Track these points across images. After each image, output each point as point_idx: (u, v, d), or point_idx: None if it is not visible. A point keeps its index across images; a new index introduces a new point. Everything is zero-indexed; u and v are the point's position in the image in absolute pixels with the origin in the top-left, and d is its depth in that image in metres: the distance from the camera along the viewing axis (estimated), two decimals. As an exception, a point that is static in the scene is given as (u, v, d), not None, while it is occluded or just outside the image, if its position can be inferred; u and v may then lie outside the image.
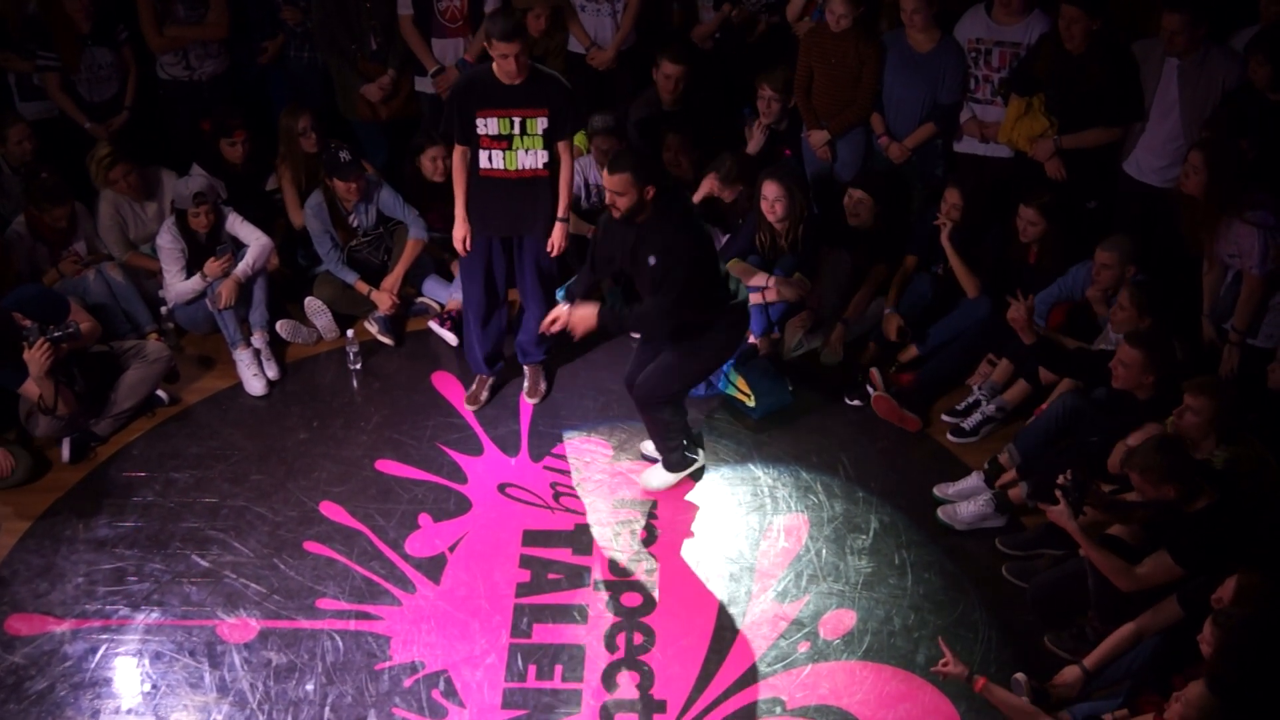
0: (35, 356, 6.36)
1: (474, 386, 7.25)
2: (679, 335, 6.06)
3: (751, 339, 7.38)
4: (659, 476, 6.58)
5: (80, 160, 7.90)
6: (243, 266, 7.38)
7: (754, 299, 7.36)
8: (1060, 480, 5.48)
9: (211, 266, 7.36)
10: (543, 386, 7.26)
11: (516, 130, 6.53)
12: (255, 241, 7.46)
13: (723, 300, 6.04)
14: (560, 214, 6.78)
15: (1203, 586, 5.10)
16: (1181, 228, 6.56)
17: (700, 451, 6.64)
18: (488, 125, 6.54)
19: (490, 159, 6.62)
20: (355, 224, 7.74)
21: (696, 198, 7.60)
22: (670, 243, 5.78)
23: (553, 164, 6.68)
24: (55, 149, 7.94)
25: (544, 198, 6.73)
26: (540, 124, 6.54)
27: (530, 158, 6.61)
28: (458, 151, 6.70)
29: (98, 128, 7.99)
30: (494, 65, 6.47)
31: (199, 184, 7.45)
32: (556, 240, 6.82)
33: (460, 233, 6.83)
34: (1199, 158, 6.21)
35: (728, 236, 7.76)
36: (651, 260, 5.80)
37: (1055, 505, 5.46)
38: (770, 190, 7.29)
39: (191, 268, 7.43)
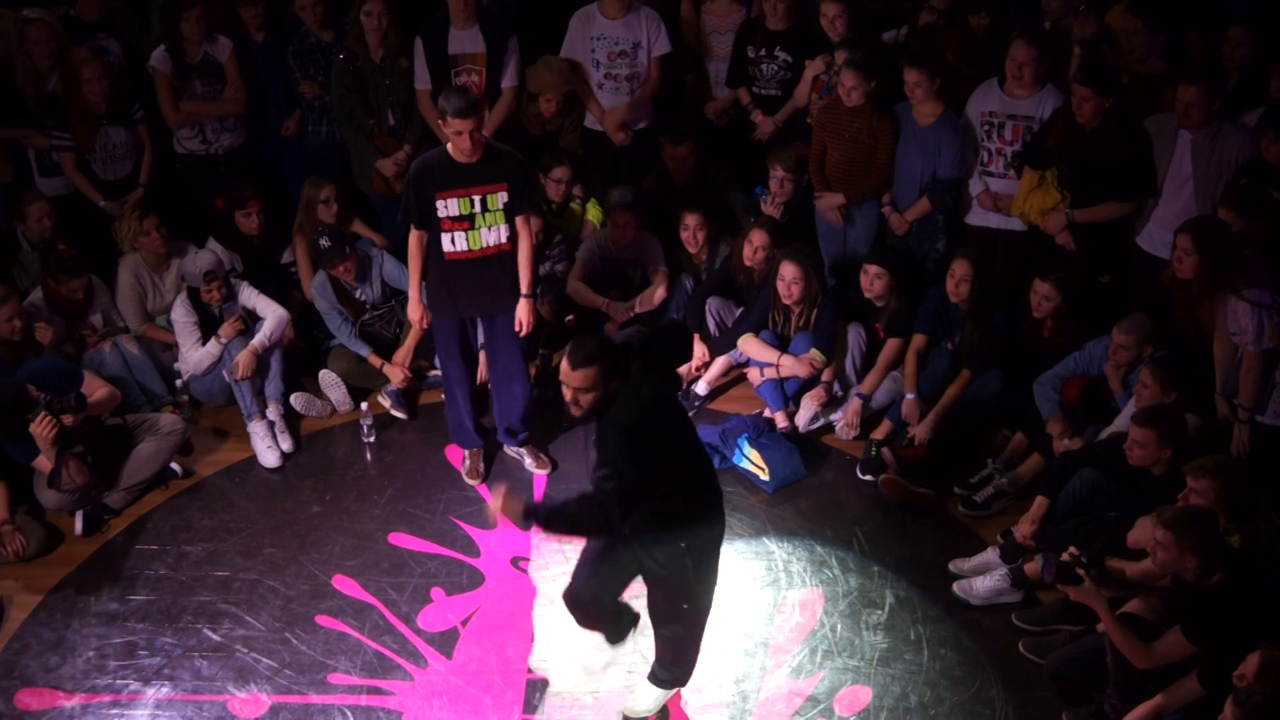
0: (39, 430, 6.41)
1: (469, 461, 7.21)
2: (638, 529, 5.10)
3: (767, 413, 7.38)
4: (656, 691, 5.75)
5: (97, 236, 7.97)
6: (259, 338, 7.43)
7: (768, 374, 7.38)
8: (1065, 557, 5.43)
9: (225, 328, 7.42)
10: (545, 458, 7.23)
11: (478, 209, 6.49)
12: (271, 314, 7.51)
13: (697, 490, 5.18)
14: (523, 290, 6.74)
15: (1223, 664, 5.04)
16: (1177, 311, 6.56)
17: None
18: (448, 207, 6.49)
19: (454, 241, 6.57)
20: (362, 298, 7.78)
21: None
22: (618, 418, 4.83)
23: (514, 238, 6.65)
24: (74, 224, 8.01)
25: (510, 273, 6.70)
26: (500, 199, 6.51)
27: (493, 234, 6.57)
28: (414, 236, 6.66)
29: (113, 205, 8.04)
30: (449, 146, 6.45)
31: (208, 261, 7.50)
32: (524, 318, 6.76)
33: (415, 314, 6.90)
34: (1187, 240, 6.19)
35: (741, 310, 7.77)
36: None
37: (1079, 585, 5.40)
38: (788, 272, 7.30)
39: (206, 339, 7.48)
